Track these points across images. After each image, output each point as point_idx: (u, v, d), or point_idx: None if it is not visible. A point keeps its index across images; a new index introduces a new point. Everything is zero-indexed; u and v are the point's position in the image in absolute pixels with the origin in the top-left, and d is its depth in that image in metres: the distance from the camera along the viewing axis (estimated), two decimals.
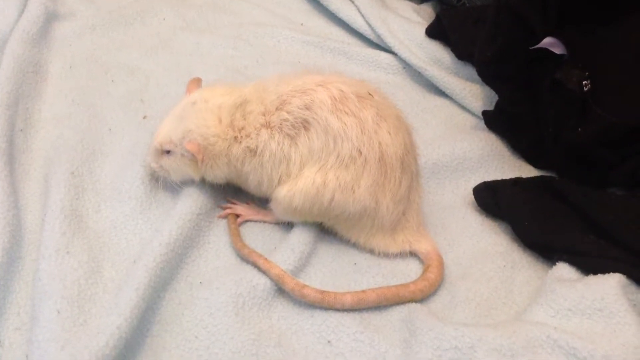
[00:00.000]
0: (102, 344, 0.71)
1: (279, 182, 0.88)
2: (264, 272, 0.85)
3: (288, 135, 0.85)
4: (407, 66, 1.31)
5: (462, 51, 1.27)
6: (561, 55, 1.01)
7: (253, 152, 0.87)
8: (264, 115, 0.87)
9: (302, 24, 1.43)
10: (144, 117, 1.09)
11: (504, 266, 0.93)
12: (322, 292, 0.83)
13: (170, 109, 0.93)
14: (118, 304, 0.76)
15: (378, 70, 1.31)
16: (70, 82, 1.16)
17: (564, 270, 0.88)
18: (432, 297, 0.88)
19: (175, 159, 0.91)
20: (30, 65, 1.13)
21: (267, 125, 0.86)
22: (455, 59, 1.29)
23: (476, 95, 1.23)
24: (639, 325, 0.78)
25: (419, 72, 1.27)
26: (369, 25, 1.36)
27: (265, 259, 0.86)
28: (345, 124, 0.83)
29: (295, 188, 0.85)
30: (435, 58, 1.30)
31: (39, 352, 0.72)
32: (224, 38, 1.32)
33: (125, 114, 1.09)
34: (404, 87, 1.28)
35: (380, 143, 0.84)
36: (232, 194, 0.98)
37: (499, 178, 1.04)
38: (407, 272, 0.91)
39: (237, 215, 0.94)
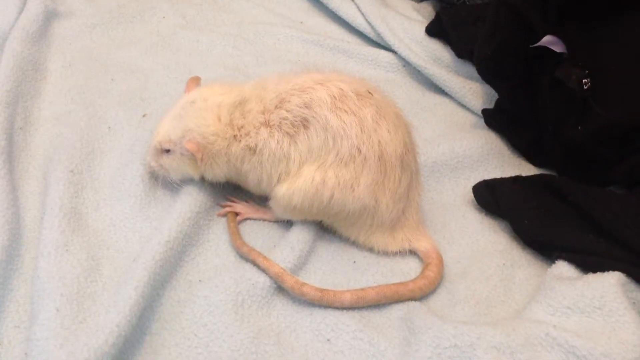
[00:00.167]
0: (101, 342, 0.71)
1: (279, 181, 0.88)
2: (263, 270, 0.85)
3: (287, 133, 0.85)
4: (406, 64, 1.30)
5: (462, 49, 1.27)
6: (561, 54, 1.01)
7: (252, 150, 0.87)
8: (263, 113, 0.86)
9: (301, 23, 1.43)
10: (144, 116, 1.09)
11: (504, 264, 0.93)
12: (322, 290, 0.83)
13: (170, 108, 0.93)
14: (117, 302, 0.76)
15: (378, 68, 1.31)
16: (69, 81, 1.16)
17: (563, 268, 0.88)
18: (431, 295, 0.88)
19: (174, 158, 0.91)
20: (30, 64, 1.13)
21: (267, 124, 0.86)
22: (455, 57, 1.29)
23: (476, 93, 1.23)
24: (638, 324, 0.78)
25: (419, 71, 1.27)
26: (369, 23, 1.36)
27: (265, 257, 0.86)
28: (345, 123, 0.83)
29: (295, 186, 0.85)
30: (435, 56, 1.30)
31: (38, 350, 0.72)
32: (223, 36, 1.32)
33: (124, 112, 1.09)
34: (403, 85, 1.28)
35: (379, 141, 0.84)
36: (232, 192, 0.98)
37: (499, 176, 1.03)
38: (407, 270, 0.91)
39: (237, 214, 0.94)
